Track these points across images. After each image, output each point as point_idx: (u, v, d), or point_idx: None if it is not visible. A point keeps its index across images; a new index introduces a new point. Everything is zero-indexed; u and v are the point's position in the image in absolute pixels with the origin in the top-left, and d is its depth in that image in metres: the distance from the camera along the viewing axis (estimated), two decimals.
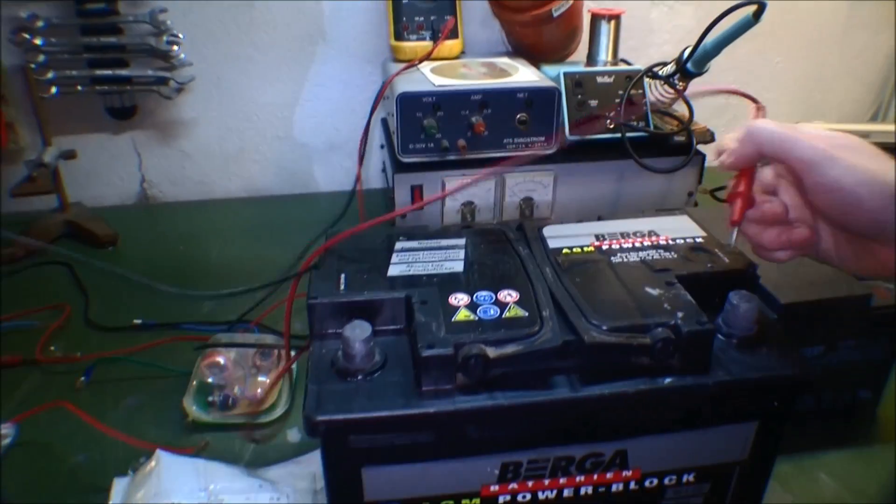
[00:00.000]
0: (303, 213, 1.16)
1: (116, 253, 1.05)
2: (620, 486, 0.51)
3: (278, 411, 0.71)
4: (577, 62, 1.11)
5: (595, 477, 0.50)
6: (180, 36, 1.09)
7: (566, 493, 0.50)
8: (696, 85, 1.00)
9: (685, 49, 0.99)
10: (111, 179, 1.20)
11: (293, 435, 0.69)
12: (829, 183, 0.47)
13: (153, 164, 1.20)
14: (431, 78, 0.96)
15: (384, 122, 1.11)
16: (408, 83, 0.94)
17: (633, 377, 0.46)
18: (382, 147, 1.12)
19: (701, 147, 1.00)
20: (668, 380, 0.46)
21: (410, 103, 0.91)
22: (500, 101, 0.93)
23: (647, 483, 0.51)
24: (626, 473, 0.50)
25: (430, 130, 0.92)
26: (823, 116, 1.41)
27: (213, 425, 0.69)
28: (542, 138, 0.96)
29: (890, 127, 1.02)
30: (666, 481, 0.52)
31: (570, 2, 1.03)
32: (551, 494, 0.50)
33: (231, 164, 1.21)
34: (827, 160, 0.47)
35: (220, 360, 0.71)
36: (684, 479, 0.52)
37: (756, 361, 0.48)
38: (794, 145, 0.48)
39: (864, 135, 0.89)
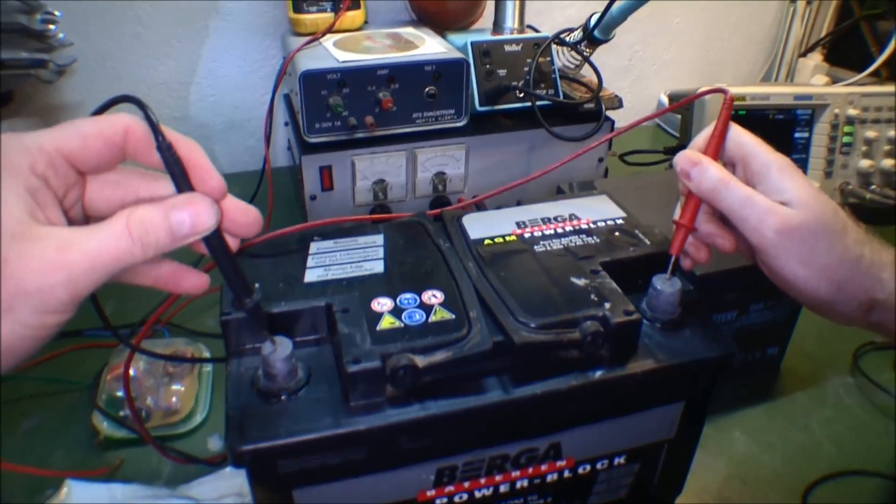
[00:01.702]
0: None
1: None
2: (555, 476, 0.51)
3: (197, 419, 0.68)
4: (483, 29, 1.09)
5: (530, 470, 0.50)
6: (56, 13, 0.99)
7: (502, 488, 0.50)
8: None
9: (591, 15, 0.99)
10: None
11: (214, 443, 0.66)
12: (775, 270, 0.47)
13: None
14: (335, 53, 0.92)
15: (287, 98, 1.06)
16: (310, 59, 0.89)
17: (564, 371, 0.46)
18: (287, 125, 1.07)
19: (609, 113, 1.01)
20: (598, 372, 0.46)
21: (314, 81, 0.87)
22: (408, 75, 0.90)
23: (580, 470, 0.52)
24: (560, 463, 0.50)
25: (337, 108, 0.88)
26: (720, 72, 1.45)
27: (127, 441, 0.65)
28: (452, 111, 0.94)
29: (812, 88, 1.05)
30: (598, 466, 0.52)
31: None
32: (487, 492, 0.49)
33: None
34: (773, 248, 0.46)
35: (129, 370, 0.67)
36: (615, 461, 0.53)
37: (681, 345, 0.49)
38: (744, 223, 0.47)
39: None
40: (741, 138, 0.50)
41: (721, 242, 0.51)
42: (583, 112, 1.00)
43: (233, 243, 0.40)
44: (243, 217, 0.41)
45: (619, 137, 1.03)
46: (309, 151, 0.90)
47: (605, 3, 0.93)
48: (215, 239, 0.38)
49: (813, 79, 1.37)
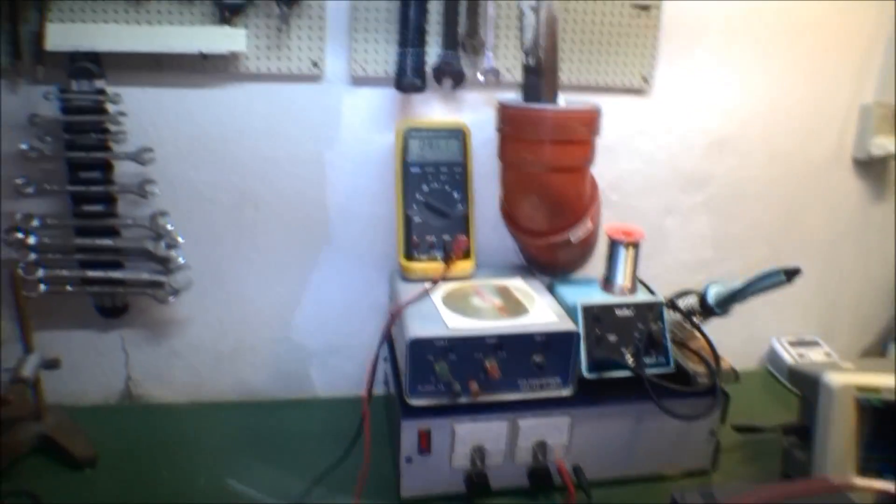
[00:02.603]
0: (302, 422, 1.09)
1: (94, 476, 0.96)
2: None
3: None
4: (590, 280, 1.07)
5: None
6: (179, 240, 1.04)
7: None
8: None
9: (709, 286, 0.96)
10: (94, 377, 1.12)
11: None
12: None
13: (140, 362, 1.13)
14: (444, 313, 0.91)
15: (387, 335, 1.05)
16: (419, 321, 0.89)
17: None
18: (385, 360, 1.06)
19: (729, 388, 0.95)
20: None
21: (422, 347, 0.86)
22: (516, 344, 0.89)
23: None
24: None
25: (442, 375, 0.86)
26: (839, 315, 1.38)
27: None
28: (559, 379, 0.91)
29: None
30: None
31: (588, 226, 1.00)
32: None
33: (224, 363, 1.14)
34: None
35: None
36: None
37: None
38: None
39: None
40: None
41: None
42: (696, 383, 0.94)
43: None
44: None
45: (734, 404, 0.97)
46: (409, 414, 0.88)
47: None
48: None
49: None
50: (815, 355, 1.25)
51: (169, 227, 1.04)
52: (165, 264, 1.05)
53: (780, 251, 1.30)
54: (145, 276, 1.06)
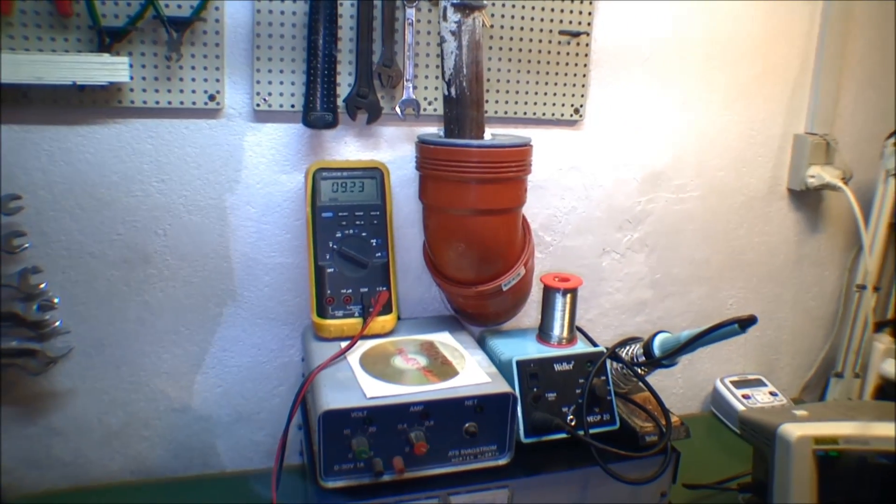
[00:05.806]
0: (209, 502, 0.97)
1: None
2: None
3: None
4: (525, 331, 0.98)
5: None
6: (55, 301, 0.90)
7: None
8: None
9: (656, 335, 0.88)
10: None
11: None
12: None
13: (10, 446, 0.96)
14: (361, 379, 0.80)
15: (303, 402, 0.93)
16: (333, 389, 0.78)
17: None
18: (300, 428, 0.94)
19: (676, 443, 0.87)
20: None
21: (337, 420, 0.75)
22: (445, 411, 0.78)
23: None
24: None
25: (361, 453, 0.75)
26: (778, 353, 1.33)
27: None
28: (494, 446, 0.81)
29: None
30: None
31: (521, 273, 0.91)
32: None
33: (113, 441, 0.99)
34: None
35: None
36: None
37: None
38: None
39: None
40: None
41: None
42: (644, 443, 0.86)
43: None
44: None
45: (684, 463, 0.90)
46: (325, 499, 0.76)
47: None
48: None
49: (885, 363, 1.25)
50: (761, 396, 1.19)
51: (42, 286, 0.90)
52: (39, 329, 0.90)
53: (720, 289, 1.24)
54: (14, 343, 0.90)
